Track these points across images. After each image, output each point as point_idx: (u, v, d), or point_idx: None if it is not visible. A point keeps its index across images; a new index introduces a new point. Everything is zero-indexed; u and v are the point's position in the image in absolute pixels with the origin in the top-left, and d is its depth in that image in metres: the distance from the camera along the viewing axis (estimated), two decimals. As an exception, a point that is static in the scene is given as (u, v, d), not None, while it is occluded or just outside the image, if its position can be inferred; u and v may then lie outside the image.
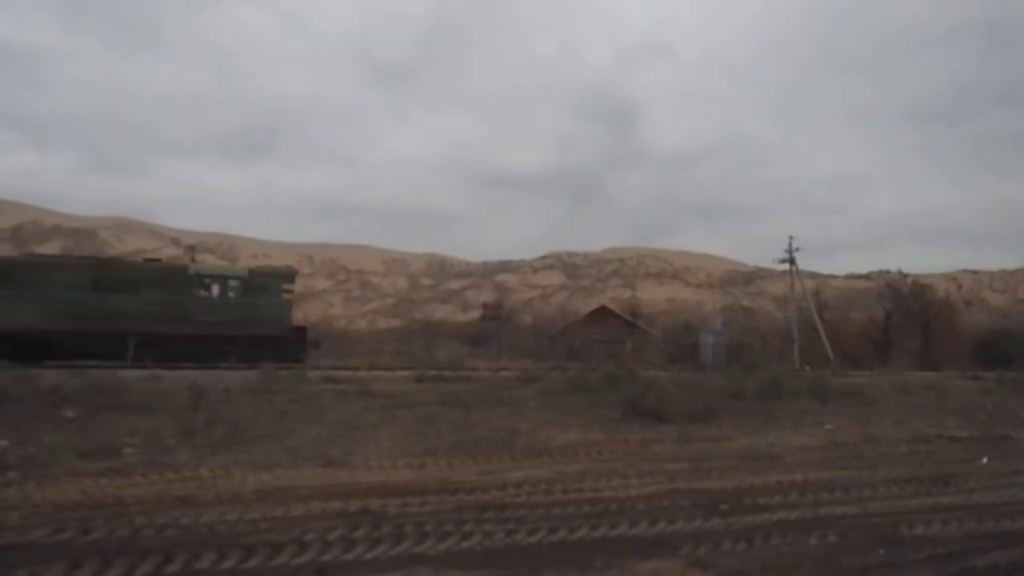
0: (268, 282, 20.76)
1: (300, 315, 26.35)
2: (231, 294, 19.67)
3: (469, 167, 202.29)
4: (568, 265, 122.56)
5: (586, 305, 66.79)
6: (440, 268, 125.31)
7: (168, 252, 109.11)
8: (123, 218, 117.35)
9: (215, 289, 19.58)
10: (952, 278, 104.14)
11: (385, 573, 4.41)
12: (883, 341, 39.25)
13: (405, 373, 15.45)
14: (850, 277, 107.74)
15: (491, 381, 13.98)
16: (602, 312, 48.56)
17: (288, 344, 19.58)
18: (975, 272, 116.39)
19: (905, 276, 62.57)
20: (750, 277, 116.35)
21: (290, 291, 21.00)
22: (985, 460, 9.10)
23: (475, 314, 63.08)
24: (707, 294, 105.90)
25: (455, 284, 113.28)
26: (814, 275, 78.41)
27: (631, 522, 5.61)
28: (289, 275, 21.87)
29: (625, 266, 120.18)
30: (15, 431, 8.10)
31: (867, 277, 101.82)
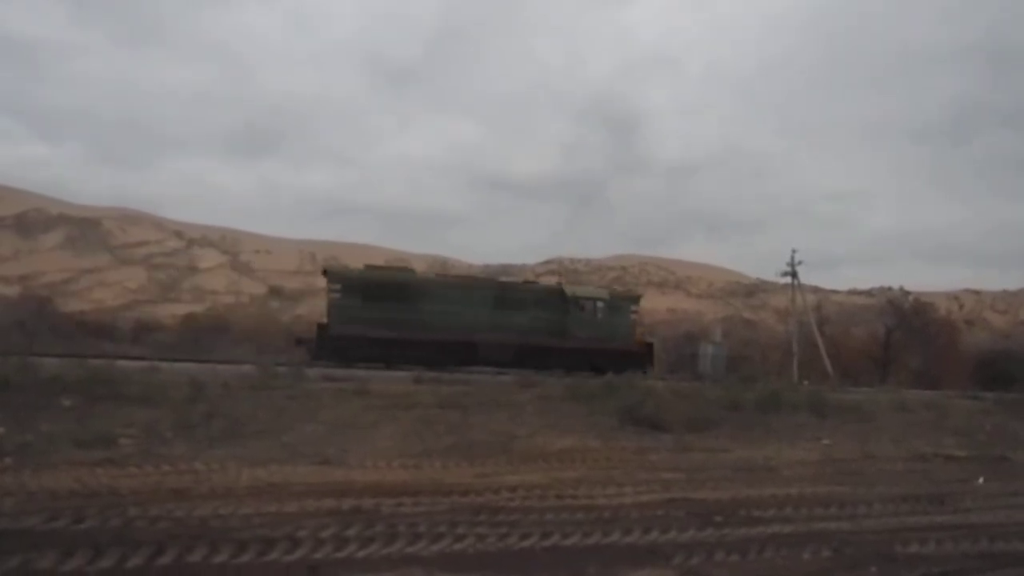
0: (622, 303, 23.94)
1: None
2: (598, 314, 22.58)
3: (472, 170, 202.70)
4: (570, 271, 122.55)
5: (587, 312, 66.48)
6: (442, 269, 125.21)
7: (171, 244, 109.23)
8: (128, 209, 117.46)
9: (586, 309, 22.52)
10: (954, 297, 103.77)
11: (377, 572, 4.41)
12: (883, 358, 39.15)
13: (403, 374, 15.45)
14: (852, 293, 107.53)
15: (490, 385, 13.98)
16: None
17: (638, 358, 22.04)
18: (977, 292, 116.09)
19: (907, 293, 62.49)
20: (752, 289, 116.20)
21: (636, 311, 24.42)
22: (982, 480, 9.08)
23: (476, 317, 62.88)
24: (708, 304, 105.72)
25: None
26: (816, 289, 78.24)
27: (625, 530, 5.60)
28: (636, 298, 25.53)
29: (627, 274, 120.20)
30: (14, 418, 8.12)
31: (869, 293, 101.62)
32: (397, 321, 19.86)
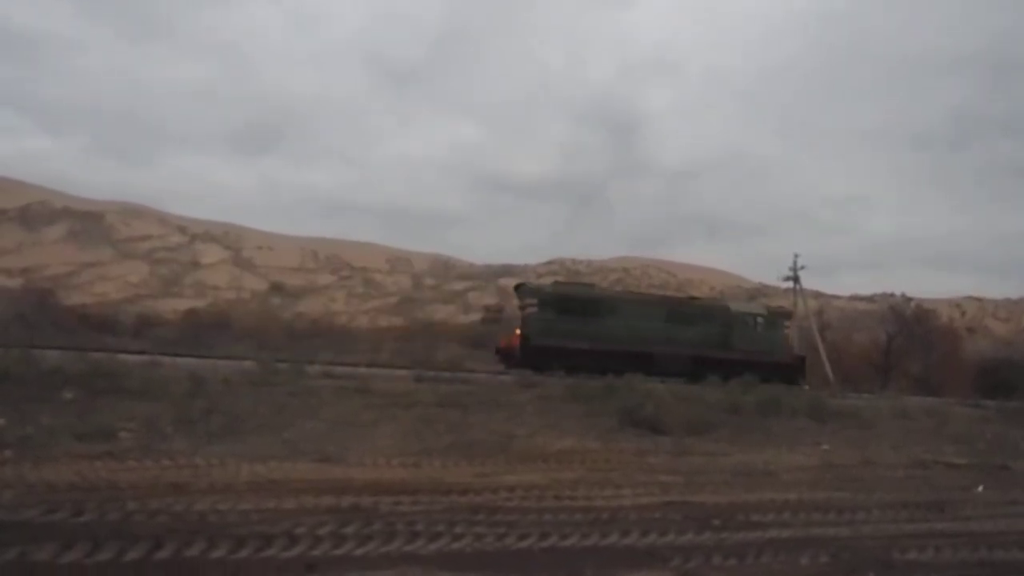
0: (777, 319, 25.92)
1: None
2: (758, 328, 24.35)
3: (473, 170, 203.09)
4: (572, 272, 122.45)
5: (588, 313, 66.25)
6: (444, 269, 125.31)
7: (174, 239, 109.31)
8: (131, 204, 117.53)
9: (748, 324, 24.33)
10: (956, 304, 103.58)
11: (375, 571, 4.41)
12: (884, 364, 39.08)
13: (404, 372, 15.45)
14: (853, 298, 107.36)
15: (490, 384, 13.98)
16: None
17: (792, 370, 23.79)
18: (979, 299, 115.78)
19: (909, 300, 62.39)
20: (753, 293, 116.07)
21: (788, 327, 27.05)
22: (981, 488, 9.05)
23: (476, 316, 63.05)
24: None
25: (458, 285, 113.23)
26: (818, 294, 78.10)
27: (622, 532, 5.59)
28: (789, 314, 28.35)
29: (629, 276, 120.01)
30: (15, 410, 8.13)
31: (870, 299, 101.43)
32: (587, 333, 21.49)
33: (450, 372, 16.25)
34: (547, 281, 32.24)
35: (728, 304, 26.32)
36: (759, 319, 24.84)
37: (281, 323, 46.91)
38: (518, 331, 22.23)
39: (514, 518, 5.77)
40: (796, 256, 36.30)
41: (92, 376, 9.84)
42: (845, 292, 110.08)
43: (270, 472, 6.86)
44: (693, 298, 29.81)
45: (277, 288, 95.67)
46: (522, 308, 23.00)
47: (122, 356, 12.38)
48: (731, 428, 12.06)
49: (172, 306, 60.13)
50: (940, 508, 7.53)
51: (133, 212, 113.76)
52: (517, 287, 25.09)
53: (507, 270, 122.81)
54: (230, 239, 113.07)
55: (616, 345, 21.51)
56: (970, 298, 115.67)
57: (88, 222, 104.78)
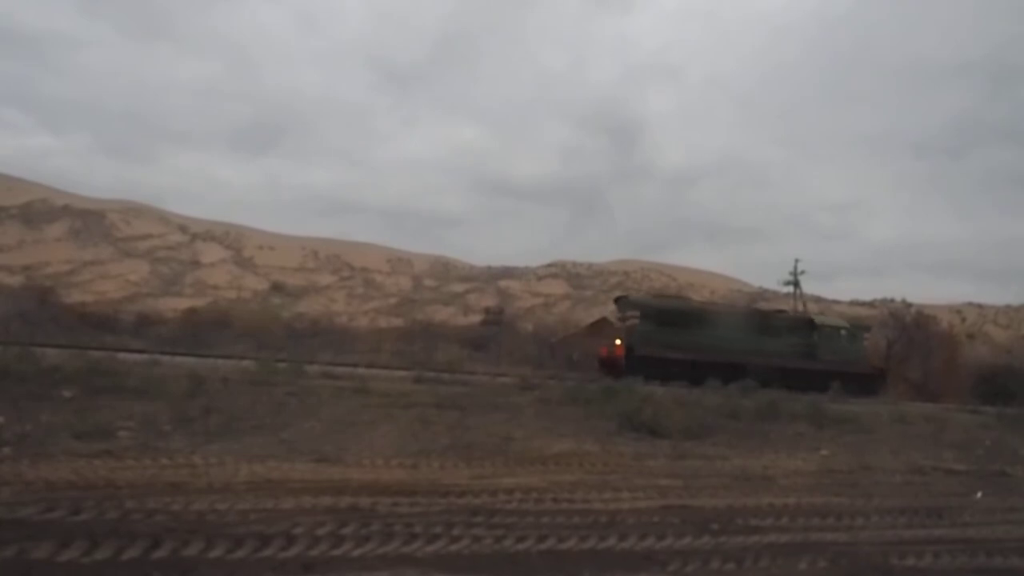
0: (856, 331, 27.01)
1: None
2: (842, 340, 25.22)
3: (474, 173, 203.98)
4: (572, 275, 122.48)
5: (588, 316, 66.49)
6: (444, 270, 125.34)
7: (175, 238, 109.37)
8: (132, 202, 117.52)
9: (831, 336, 25.26)
10: (956, 310, 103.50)
11: (372, 572, 4.41)
12: (883, 370, 39.02)
13: (403, 373, 15.47)
14: (854, 303, 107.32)
15: (489, 386, 13.99)
16: (603, 323, 48.31)
17: (872, 380, 24.82)
18: (979, 306, 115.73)
19: (909, 305, 62.38)
20: (754, 297, 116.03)
21: (867, 339, 27.98)
22: (980, 495, 9.04)
23: (476, 318, 63.07)
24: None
25: (458, 287, 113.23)
26: (819, 299, 78.12)
27: (620, 535, 5.59)
28: (868, 327, 29.86)
29: (629, 279, 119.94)
30: (14, 408, 8.13)
31: (871, 304, 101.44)
32: (685, 344, 22.68)
33: (449, 373, 16.26)
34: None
35: (813, 317, 27.40)
36: (842, 331, 25.70)
37: (281, 323, 46.87)
38: (619, 342, 22.84)
39: (512, 520, 5.77)
40: (796, 261, 36.29)
41: (91, 374, 9.85)
42: (845, 297, 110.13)
43: (268, 472, 6.85)
44: (781, 311, 30.89)
45: (277, 288, 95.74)
46: (623, 319, 23.99)
47: (122, 355, 12.41)
48: (730, 432, 12.04)
49: (172, 305, 60.13)
50: (939, 514, 7.52)
51: (134, 210, 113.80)
52: (618, 299, 25.96)
53: (507, 272, 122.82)
54: (231, 238, 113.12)
55: (711, 356, 22.30)
56: (970, 304, 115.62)
57: (89, 220, 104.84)
